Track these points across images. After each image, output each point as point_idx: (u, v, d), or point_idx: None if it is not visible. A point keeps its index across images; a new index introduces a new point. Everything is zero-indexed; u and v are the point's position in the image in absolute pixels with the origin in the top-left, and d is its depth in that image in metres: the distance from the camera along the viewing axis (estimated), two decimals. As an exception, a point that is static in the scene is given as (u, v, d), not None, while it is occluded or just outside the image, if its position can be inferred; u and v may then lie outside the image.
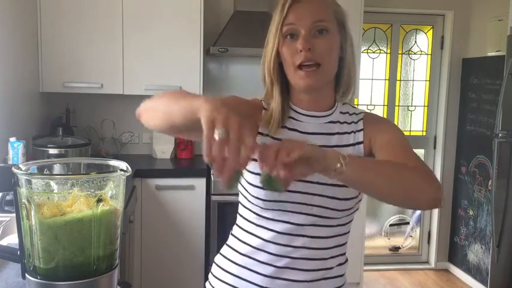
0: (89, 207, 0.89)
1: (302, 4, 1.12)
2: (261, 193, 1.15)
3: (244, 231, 1.23)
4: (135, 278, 3.09)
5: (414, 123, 4.27)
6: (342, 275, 1.24)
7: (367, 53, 4.10)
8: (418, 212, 4.32)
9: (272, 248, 1.17)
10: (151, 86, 3.30)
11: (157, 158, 3.57)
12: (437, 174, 4.19)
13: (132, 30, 3.28)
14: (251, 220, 1.21)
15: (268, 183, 0.89)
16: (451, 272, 4.18)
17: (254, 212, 1.20)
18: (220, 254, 1.29)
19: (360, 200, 1.21)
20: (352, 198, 1.16)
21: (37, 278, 0.91)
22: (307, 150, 0.89)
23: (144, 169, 3.13)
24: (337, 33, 1.15)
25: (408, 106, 4.24)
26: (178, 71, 3.33)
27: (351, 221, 1.24)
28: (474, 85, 3.92)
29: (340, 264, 1.23)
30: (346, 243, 1.24)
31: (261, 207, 1.17)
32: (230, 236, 1.28)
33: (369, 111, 1.30)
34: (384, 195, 1.02)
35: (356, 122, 1.21)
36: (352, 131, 1.20)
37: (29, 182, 0.88)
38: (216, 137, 0.80)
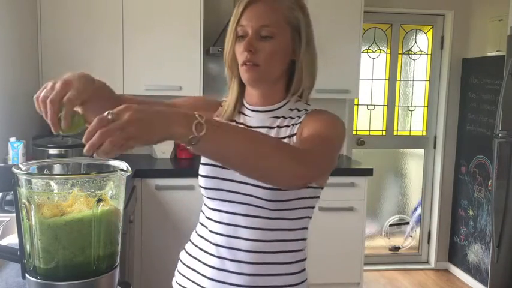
0: (89, 207, 0.89)
1: (254, 8, 1.18)
2: (202, 181, 1.24)
3: (199, 225, 1.30)
4: (135, 278, 3.09)
5: (414, 123, 4.27)
6: (293, 273, 1.22)
7: (367, 53, 4.10)
8: (418, 212, 4.32)
9: (217, 239, 1.22)
10: (151, 86, 3.30)
11: (157, 158, 3.57)
12: (437, 174, 4.19)
13: (132, 30, 3.28)
14: (204, 212, 1.29)
15: None
16: (451, 272, 4.18)
17: (205, 204, 1.28)
18: (184, 249, 1.34)
19: (312, 197, 1.22)
20: (284, 189, 1.15)
21: (37, 278, 0.91)
22: (141, 135, 0.82)
23: (144, 169, 3.13)
24: (288, 38, 1.20)
25: (408, 106, 4.24)
26: (178, 71, 3.33)
27: (303, 218, 1.23)
28: (474, 85, 3.92)
29: (290, 263, 1.22)
30: (298, 240, 1.23)
31: (206, 197, 1.26)
32: (193, 231, 1.33)
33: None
34: (241, 171, 1.00)
35: (300, 117, 1.23)
36: (292, 124, 1.22)
37: (29, 182, 0.88)
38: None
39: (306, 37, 1.22)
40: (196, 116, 0.86)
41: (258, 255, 1.19)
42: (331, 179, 4.01)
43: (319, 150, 1.07)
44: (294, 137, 1.20)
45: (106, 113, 0.80)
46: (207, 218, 1.26)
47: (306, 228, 1.26)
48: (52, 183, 0.90)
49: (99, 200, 0.90)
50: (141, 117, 0.82)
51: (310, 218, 1.27)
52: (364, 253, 3.52)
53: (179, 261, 1.33)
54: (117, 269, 0.97)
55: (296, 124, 1.21)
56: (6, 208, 1.89)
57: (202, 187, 1.25)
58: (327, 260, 3.43)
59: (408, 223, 4.35)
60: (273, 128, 1.23)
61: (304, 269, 1.26)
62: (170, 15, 3.27)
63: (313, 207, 1.26)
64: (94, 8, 3.23)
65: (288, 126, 1.22)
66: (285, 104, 1.25)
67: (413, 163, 4.33)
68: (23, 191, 0.89)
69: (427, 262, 4.33)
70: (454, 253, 4.16)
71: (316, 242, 3.41)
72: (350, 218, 3.43)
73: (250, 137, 0.97)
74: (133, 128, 0.80)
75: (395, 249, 4.33)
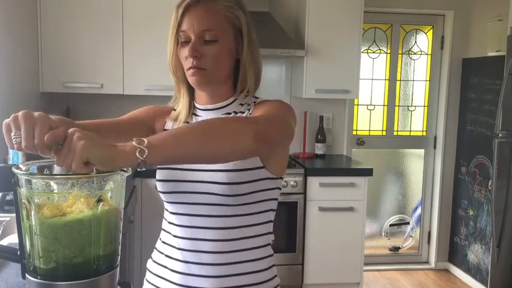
0: (89, 207, 0.89)
1: (194, 12, 1.17)
2: (160, 186, 1.23)
3: (163, 231, 1.29)
4: (135, 278, 3.09)
5: (414, 123, 4.27)
6: (262, 270, 1.21)
7: (367, 53, 4.10)
8: (418, 212, 4.32)
9: (180, 243, 1.21)
10: (151, 86, 3.30)
11: (157, 158, 3.56)
12: (437, 174, 4.19)
13: (132, 30, 3.28)
14: (166, 218, 1.28)
15: None
16: (451, 272, 4.18)
17: (166, 209, 1.27)
18: (151, 258, 1.32)
19: (273, 189, 1.22)
20: (241, 182, 1.15)
21: (37, 278, 0.91)
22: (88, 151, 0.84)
23: (144, 169, 3.12)
24: (231, 39, 1.20)
25: (408, 106, 4.24)
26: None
27: (266, 211, 1.22)
28: (474, 85, 3.92)
29: (257, 259, 1.21)
30: (262, 235, 1.22)
31: (165, 201, 1.24)
32: (158, 239, 1.32)
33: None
34: (203, 160, 1.02)
35: (250, 109, 1.24)
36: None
37: (29, 182, 0.88)
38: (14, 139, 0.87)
39: (247, 35, 1.21)
40: (134, 140, 0.89)
41: (223, 255, 1.17)
42: (331, 179, 4.01)
43: (266, 119, 1.09)
44: None
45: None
46: (169, 223, 1.25)
47: (270, 221, 1.25)
48: (52, 183, 0.90)
49: (99, 200, 0.90)
50: (87, 138, 0.84)
51: (274, 210, 1.26)
52: (364, 253, 3.52)
53: (147, 271, 1.31)
54: (117, 269, 0.97)
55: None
56: (6, 208, 1.89)
57: (160, 192, 1.24)
58: (327, 260, 3.43)
59: (408, 223, 4.34)
60: None
61: (273, 265, 1.25)
62: (170, 15, 3.26)
63: (276, 199, 1.25)
64: (94, 8, 3.23)
65: None
66: (234, 101, 1.26)
67: (413, 163, 4.33)
68: (23, 191, 0.89)
69: (427, 262, 4.33)
70: (454, 253, 4.16)
71: (316, 242, 3.41)
72: (350, 218, 3.43)
73: (196, 127, 1.00)
74: (81, 144, 0.82)
75: (395, 249, 4.33)
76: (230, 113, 1.24)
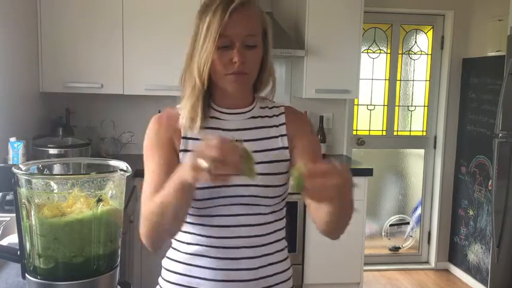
0: (89, 207, 0.89)
1: (236, 17, 1.15)
2: (198, 194, 1.16)
3: (184, 233, 1.26)
4: (135, 278, 3.09)
5: (414, 123, 4.27)
6: (283, 260, 1.30)
7: (367, 53, 4.10)
8: (418, 212, 4.32)
9: (214, 242, 1.22)
10: (151, 86, 3.30)
11: (157, 158, 3.56)
12: (437, 174, 4.19)
13: (132, 30, 3.28)
14: (189, 221, 1.23)
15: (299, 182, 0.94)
16: (451, 272, 4.17)
17: (190, 214, 1.22)
18: (167, 257, 1.34)
19: (287, 189, 1.29)
20: (282, 185, 1.24)
21: (37, 278, 0.91)
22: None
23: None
24: (261, 42, 1.22)
25: (408, 106, 4.24)
26: (178, 71, 3.31)
27: (284, 208, 1.32)
28: (474, 85, 3.92)
29: (279, 250, 1.29)
30: (281, 229, 1.31)
31: (198, 208, 1.20)
32: (173, 239, 1.32)
33: (289, 105, 1.36)
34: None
35: (277, 115, 1.28)
36: (275, 125, 1.28)
37: (29, 182, 0.88)
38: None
39: (271, 38, 1.24)
40: None
41: (257, 249, 1.23)
42: (331, 179, 3.90)
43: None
44: (285, 138, 1.26)
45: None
46: (196, 224, 1.23)
47: (285, 217, 1.33)
48: (52, 183, 0.90)
49: (99, 200, 0.90)
50: None
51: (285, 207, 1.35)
52: (364, 253, 3.52)
53: (162, 268, 1.31)
54: (117, 269, 0.97)
55: (280, 125, 1.27)
56: (6, 208, 1.89)
57: (196, 200, 1.18)
58: (327, 260, 3.43)
59: (408, 223, 4.34)
60: (258, 128, 1.26)
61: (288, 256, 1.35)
62: (170, 15, 3.27)
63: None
64: (94, 8, 3.23)
65: (272, 126, 1.27)
66: (256, 104, 1.29)
67: (413, 163, 4.33)
68: (23, 191, 0.89)
69: (427, 262, 4.33)
70: (454, 253, 4.16)
71: (316, 242, 3.41)
72: (350, 218, 3.43)
73: None
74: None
75: (396, 249, 4.33)
76: (256, 117, 1.27)
